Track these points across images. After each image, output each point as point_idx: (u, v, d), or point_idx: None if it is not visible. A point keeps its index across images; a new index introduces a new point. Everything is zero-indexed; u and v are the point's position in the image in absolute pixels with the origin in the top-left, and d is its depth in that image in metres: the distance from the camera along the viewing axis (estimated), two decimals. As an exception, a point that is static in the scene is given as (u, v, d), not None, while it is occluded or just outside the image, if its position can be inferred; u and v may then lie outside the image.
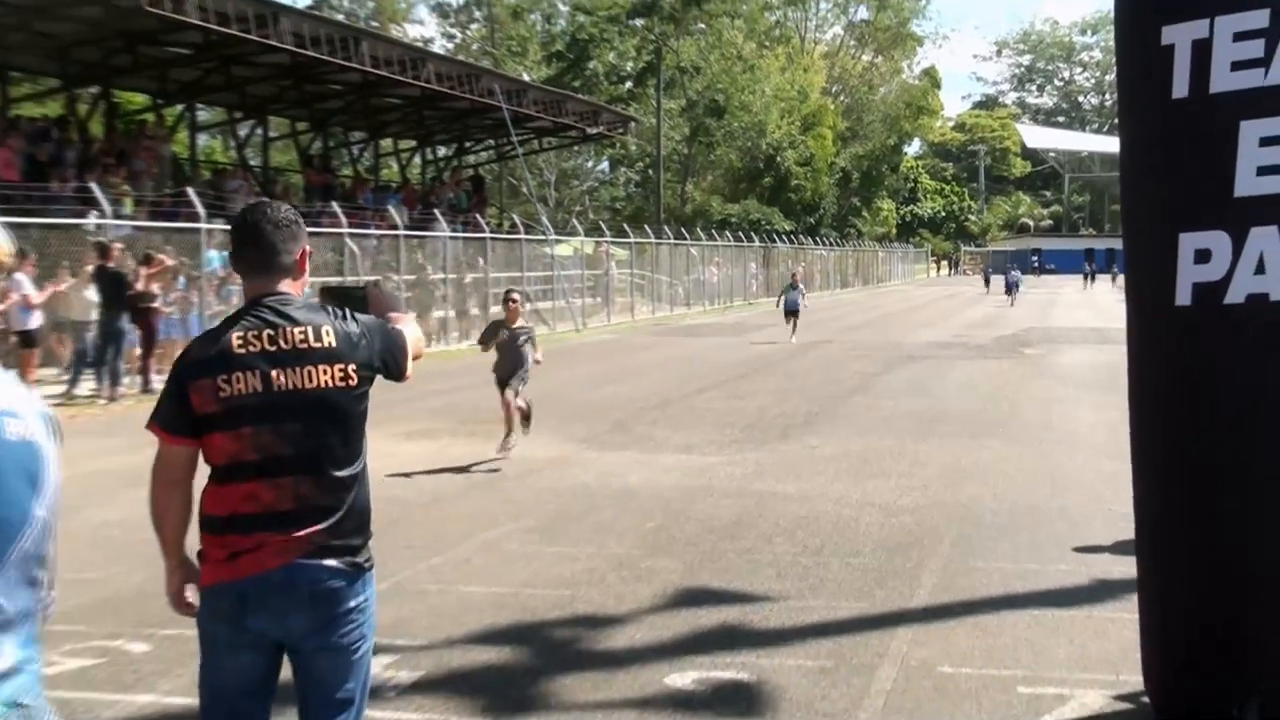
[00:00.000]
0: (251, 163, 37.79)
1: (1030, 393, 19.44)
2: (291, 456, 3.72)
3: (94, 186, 21.57)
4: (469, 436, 14.66)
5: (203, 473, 3.79)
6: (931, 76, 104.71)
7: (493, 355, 13.23)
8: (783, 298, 32.42)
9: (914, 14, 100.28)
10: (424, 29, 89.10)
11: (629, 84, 78.20)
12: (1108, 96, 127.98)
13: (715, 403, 18.10)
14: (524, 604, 7.70)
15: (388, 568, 8.43)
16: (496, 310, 32.87)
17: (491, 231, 35.92)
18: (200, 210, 21.63)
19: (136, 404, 18.10)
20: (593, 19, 77.22)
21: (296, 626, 3.76)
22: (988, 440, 14.19)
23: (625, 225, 49.66)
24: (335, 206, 28.05)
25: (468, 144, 46.60)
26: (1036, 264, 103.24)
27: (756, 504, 10.73)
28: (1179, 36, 5.16)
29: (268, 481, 3.70)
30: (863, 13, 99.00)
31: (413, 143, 45.00)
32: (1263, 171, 5.00)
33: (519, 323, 13.27)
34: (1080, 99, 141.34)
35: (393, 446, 13.26)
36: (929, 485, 11.53)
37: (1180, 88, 5.17)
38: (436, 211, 33.96)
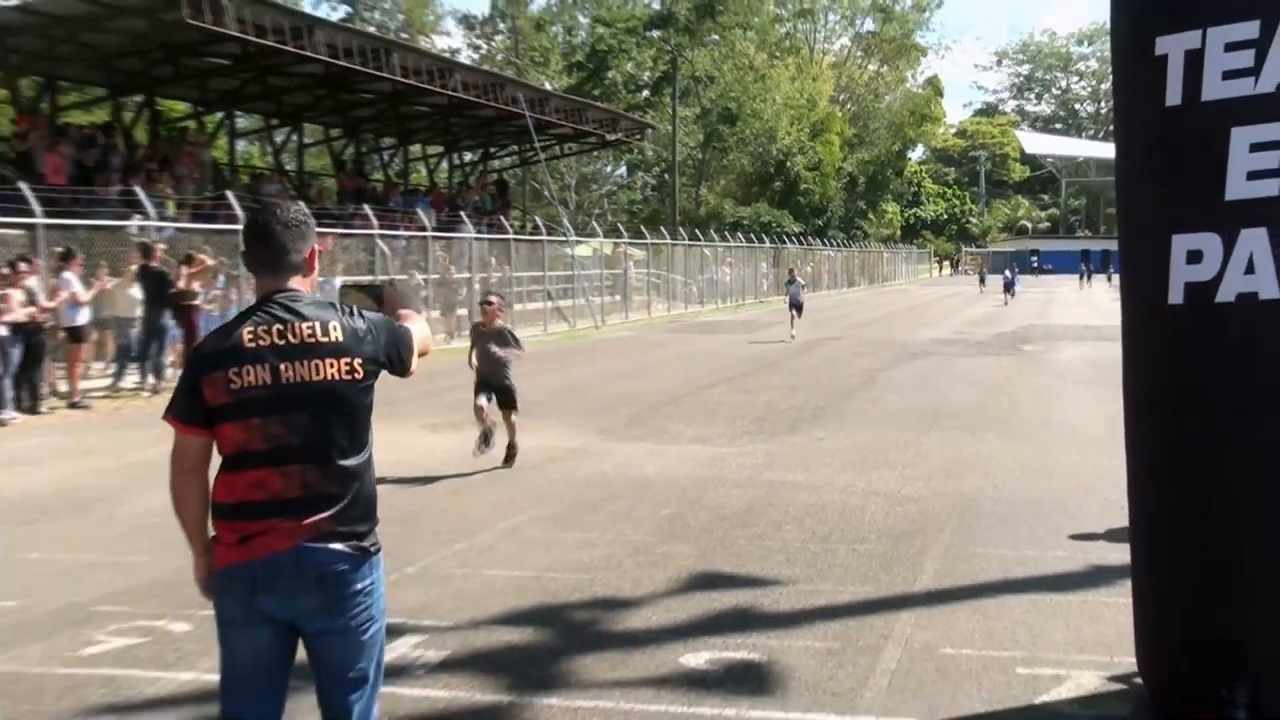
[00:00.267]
0: (287, 167, 37.85)
1: (1029, 388, 19.39)
2: (299, 446, 3.72)
3: (138, 190, 21.65)
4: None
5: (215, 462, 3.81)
6: (934, 85, 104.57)
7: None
8: (788, 290, 32.79)
9: (918, 26, 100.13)
10: (451, 40, 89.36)
11: (646, 92, 78.15)
12: (1103, 104, 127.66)
13: (727, 397, 18.08)
14: (545, 587, 7.71)
15: (415, 553, 8.47)
16: (519, 310, 33.12)
17: (515, 233, 35.96)
18: (239, 213, 21.63)
19: (178, 396, 18.15)
20: (611, 31, 77.21)
21: (304, 608, 3.76)
22: (988, 434, 14.15)
23: (642, 227, 49.65)
24: (367, 209, 28.09)
25: (493, 150, 46.60)
26: (1035, 264, 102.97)
27: (766, 493, 10.72)
28: (1172, 47, 5.15)
29: (276, 470, 3.71)
30: (869, 24, 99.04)
31: (440, 148, 45.04)
32: (1252, 176, 4.98)
33: (497, 324, 12.49)
34: (1077, 107, 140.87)
35: (418, 438, 13.28)
36: (931, 476, 11.51)
37: (1174, 96, 5.15)
38: (463, 214, 33.96)
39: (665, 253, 47.26)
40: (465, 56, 78.24)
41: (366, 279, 24.55)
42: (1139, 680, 5.76)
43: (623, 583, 7.82)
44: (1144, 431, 5.58)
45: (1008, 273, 55.70)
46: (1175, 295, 5.19)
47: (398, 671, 5.94)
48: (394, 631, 6.36)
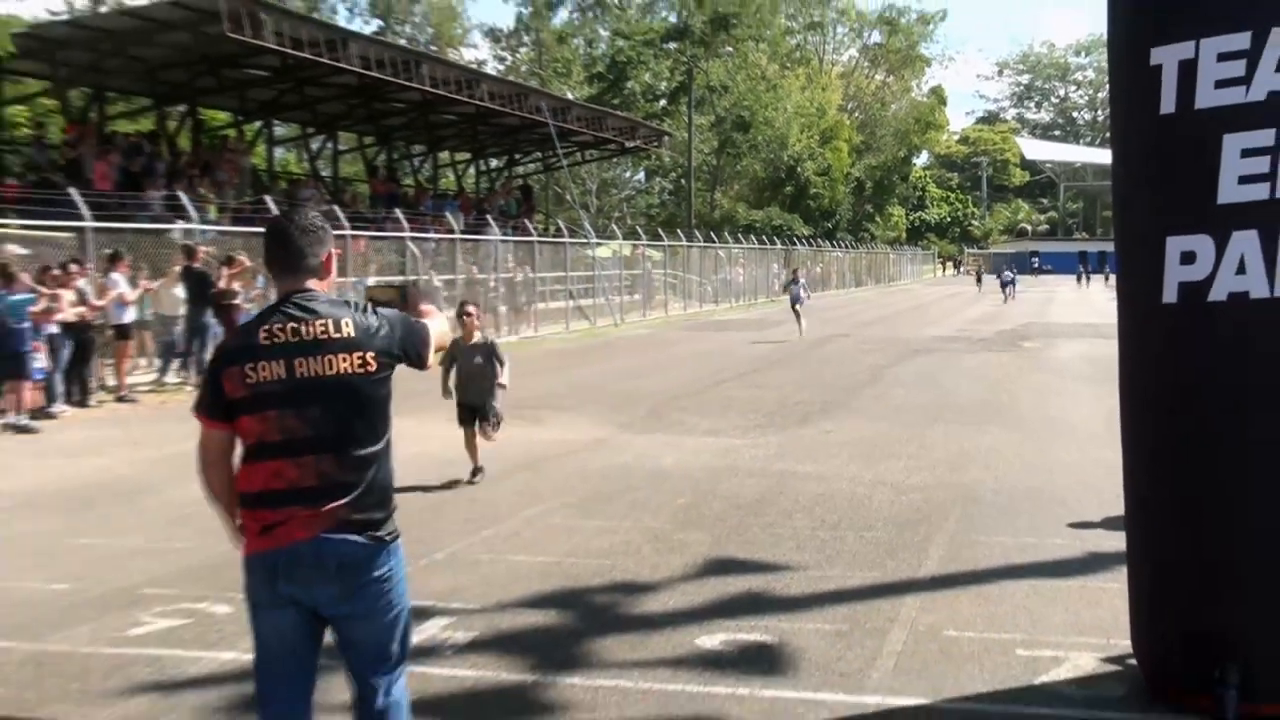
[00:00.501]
0: (322, 173, 37.89)
1: (1029, 384, 19.32)
2: (313, 437, 3.75)
3: (181, 195, 21.70)
4: (517, 421, 14.66)
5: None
6: (938, 94, 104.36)
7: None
8: (787, 292, 32.03)
9: (922, 38, 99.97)
10: (478, 52, 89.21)
11: (663, 102, 78.15)
12: (1100, 112, 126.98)
13: (739, 392, 18.07)
14: (567, 572, 7.72)
15: (444, 540, 8.49)
16: (543, 308, 33.15)
17: (539, 235, 36.00)
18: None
19: (219, 391, 18.21)
20: (630, 43, 77.25)
21: (324, 595, 3.80)
22: (989, 427, 14.12)
23: (660, 229, 49.61)
24: (398, 213, 28.16)
25: (517, 156, 46.61)
26: (1035, 265, 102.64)
27: (778, 483, 10.71)
28: (1167, 57, 5.13)
29: (292, 460, 3.74)
30: (876, 37, 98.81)
31: (468, 155, 45.09)
32: (1243, 180, 4.98)
33: (476, 338, 10.67)
34: (1075, 115, 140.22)
35: (445, 430, 13.27)
36: (935, 467, 11.49)
37: (1168, 104, 5.14)
38: (489, 217, 34.00)
39: (681, 254, 47.21)
40: (491, 68, 78.29)
41: (396, 279, 24.64)
42: (1134, 662, 5.74)
43: (641, 568, 7.83)
44: (1140, 425, 5.57)
45: (1006, 273, 55.35)
46: (1169, 295, 5.19)
47: (427, 652, 5.96)
48: (423, 614, 6.39)
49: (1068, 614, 6.78)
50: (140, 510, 9.85)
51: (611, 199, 77.96)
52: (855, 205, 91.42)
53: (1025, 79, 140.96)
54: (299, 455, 3.74)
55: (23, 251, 16.40)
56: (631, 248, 43.70)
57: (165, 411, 16.43)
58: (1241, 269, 5.00)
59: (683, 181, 72.47)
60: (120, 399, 17.01)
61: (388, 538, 3.86)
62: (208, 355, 18.86)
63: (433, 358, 4.11)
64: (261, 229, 18.18)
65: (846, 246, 78.46)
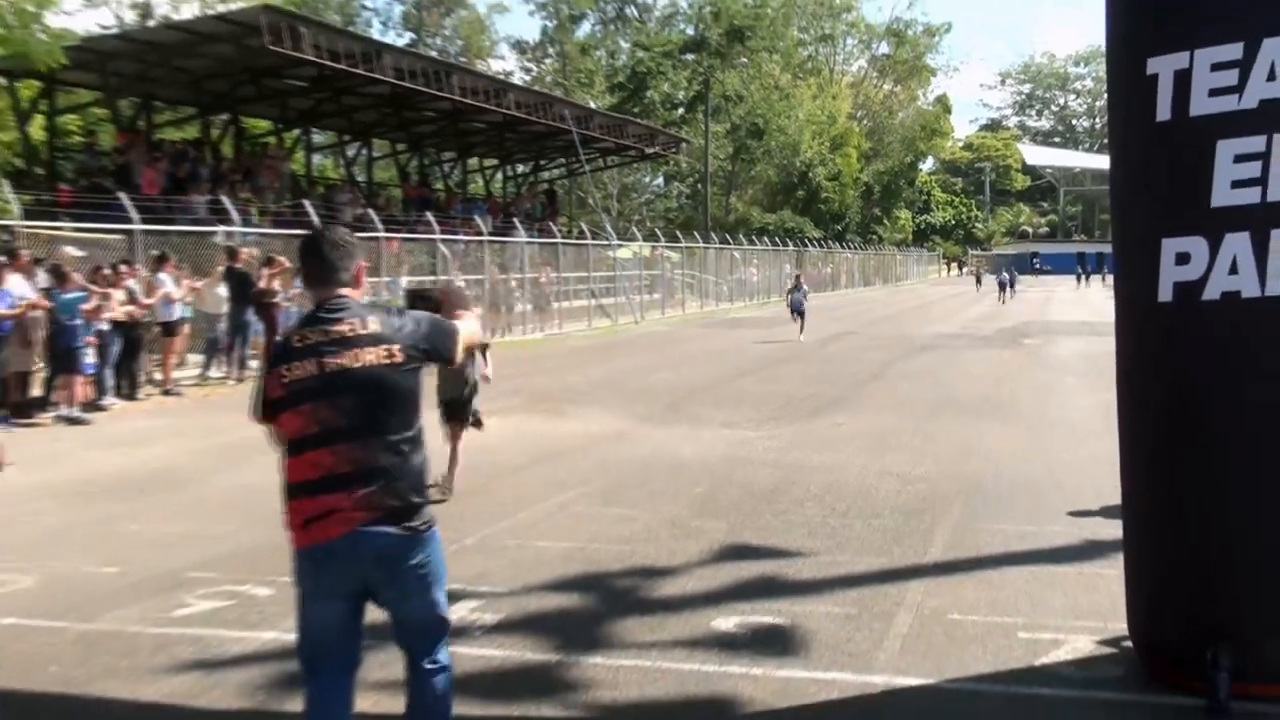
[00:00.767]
0: (358, 179, 37.96)
1: (1029, 379, 19.27)
2: (346, 426, 3.87)
3: (224, 199, 21.80)
4: (542, 414, 14.70)
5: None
6: (943, 103, 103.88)
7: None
8: (789, 298, 30.14)
9: (928, 49, 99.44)
10: (505, 63, 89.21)
11: (681, 110, 77.92)
12: (1098, 120, 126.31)
13: (753, 386, 18.04)
14: (590, 557, 7.72)
15: (473, 527, 8.51)
16: (566, 307, 33.17)
17: (563, 237, 36.01)
18: (315, 219, 21.78)
19: (260, 385, 18.27)
20: (650, 54, 77.10)
21: (365, 582, 3.95)
22: (991, 420, 14.07)
23: (678, 232, 49.45)
24: (430, 216, 28.19)
25: (543, 162, 46.63)
26: (1036, 266, 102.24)
27: (790, 473, 10.70)
28: (1162, 67, 5.12)
29: (328, 449, 3.86)
30: (884, 48, 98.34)
31: (495, 161, 45.07)
32: (1236, 185, 4.96)
33: None
34: (1074, 122, 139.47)
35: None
36: (940, 458, 11.46)
37: (1164, 111, 5.13)
38: (516, 220, 34.01)
39: (698, 255, 47.17)
40: (518, 78, 78.15)
41: (428, 279, 24.71)
42: (1130, 644, 5.73)
43: (660, 553, 7.83)
44: (1136, 419, 5.55)
45: (1004, 274, 55.02)
46: (1165, 294, 5.18)
47: (457, 633, 5.94)
48: (453, 597, 6.36)
49: (1066, 599, 6.76)
50: (186, 498, 9.89)
51: (632, 203, 77.89)
52: (864, 209, 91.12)
53: (1027, 88, 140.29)
54: (334, 444, 3.85)
55: (76, 252, 16.49)
56: (651, 249, 43.65)
57: (209, 404, 16.50)
58: (1234, 269, 4.99)
59: (700, 186, 72.37)
60: (166, 392, 17.08)
61: (422, 527, 3.96)
62: (249, 351, 19.04)
63: (460, 354, 4.24)
64: (300, 231, 18.34)
65: (855, 248, 78.32)
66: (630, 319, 35.94)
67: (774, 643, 6.03)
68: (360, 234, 22.37)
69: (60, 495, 9.96)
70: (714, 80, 72.55)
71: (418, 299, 4.49)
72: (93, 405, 15.15)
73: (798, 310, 28.62)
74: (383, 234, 24.02)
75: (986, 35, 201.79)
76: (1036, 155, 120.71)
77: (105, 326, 15.44)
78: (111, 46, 25.71)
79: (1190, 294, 5.09)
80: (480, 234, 29.89)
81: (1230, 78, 4.94)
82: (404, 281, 23.38)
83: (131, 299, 16.28)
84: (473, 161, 44.22)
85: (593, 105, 56.38)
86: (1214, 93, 4.98)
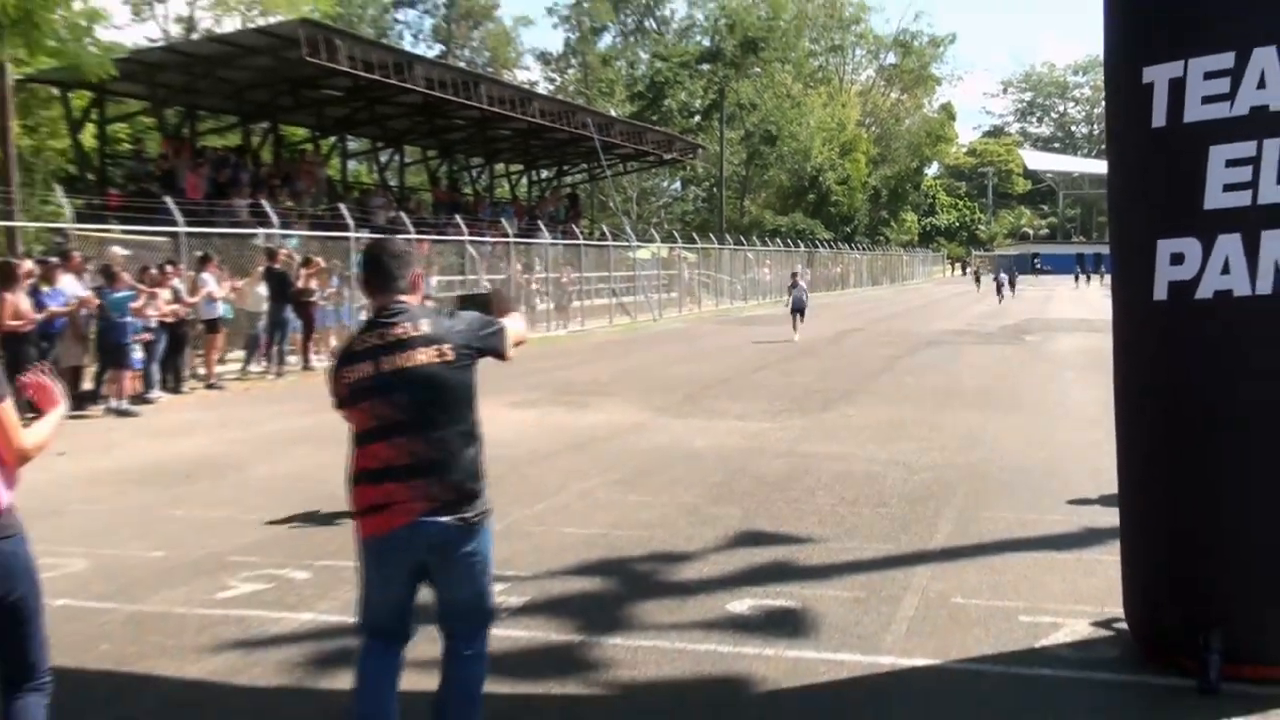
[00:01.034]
0: (390, 183, 38.04)
1: (1030, 373, 19.19)
2: (404, 421, 4.00)
3: (264, 203, 21.86)
4: (565, 406, 14.72)
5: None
6: (948, 111, 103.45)
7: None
8: (789, 297, 27.93)
9: (933, 59, 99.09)
10: (530, 74, 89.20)
11: (697, 118, 77.88)
12: (1096, 126, 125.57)
13: (767, 380, 18.02)
14: (611, 543, 7.73)
15: (499, 513, 8.43)
16: (588, 305, 33.18)
17: (585, 239, 36.00)
18: (349, 222, 21.82)
19: (298, 379, 18.35)
20: (668, 65, 77.15)
21: (421, 567, 4.09)
22: (994, 412, 14.02)
23: (694, 233, 49.38)
24: (458, 218, 28.21)
25: (565, 167, 46.61)
26: (1036, 266, 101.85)
27: (802, 463, 10.68)
28: (1158, 75, 5.10)
29: (386, 442, 4.00)
30: (891, 58, 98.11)
31: (521, 166, 45.12)
32: (1228, 188, 4.94)
33: None
34: (1073, 128, 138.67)
35: (503, 414, 13.33)
36: (945, 448, 11.43)
37: (1159, 118, 5.11)
38: (540, 222, 34.04)
39: (714, 256, 47.12)
40: (542, 88, 78.36)
41: (457, 279, 24.76)
42: (1126, 627, 5.71)
43: (677, 539, 7.83)
44: (1132, 413, 5.53)
45: (1002, 275, 54.61)
46: (1160, 293, 5.16)
47: (485, 614, 5.99)
48: (482, 580, 6.41)
49: (1066, 583, 6.73)
50: (228, 485, 9.94)
51: (650, 206, 77.96)
52: (872, 211, 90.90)
53: (1028, 96, 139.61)
54: (392, 438, 3.99)
55: (122, 252, 16.58)
56: (669, 250, 43.61)
57: (249, 397, 16.57)
58: (1226, 269, 4.97)
59: (715, 190, 72.30)
60: (209, 386, 17.15)
61: (475, 519, 4.09)
62: (287, 347, 19.12)
63: (512, 350, 4.35)
64: (335, 234, 18.41)
65: (864, 249, 78.10)
66: (649, 316, 35.92)
67: (786, 625, 6.03)
68: (392, 236, 22.44)
69: (110, 483, 10.02)
70: (729, 89, 72.44)
71: (468, 301, 4.60)
72: (140, 398, 15.23)
73: (798, 309, 27.00)
74: (414, 236, 24.05)
75: (989, 46, 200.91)
76: (1037, 160, 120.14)
77: (152, 323, 15.51)
78: (158, 59, 25.83)
79: (1184, 293, 5.07)
80: (506, 236, 29.93)
81: (1222, 85, 4.93)
82: (434, 281, 23.42)
83: (176, 298, 16.37)
84: (499, 167, 44.26)
85: (613, 113, 56.39)
86: (1207, 100, 4.96)
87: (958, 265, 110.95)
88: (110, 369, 14.88)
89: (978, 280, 67.21)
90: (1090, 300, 47.79)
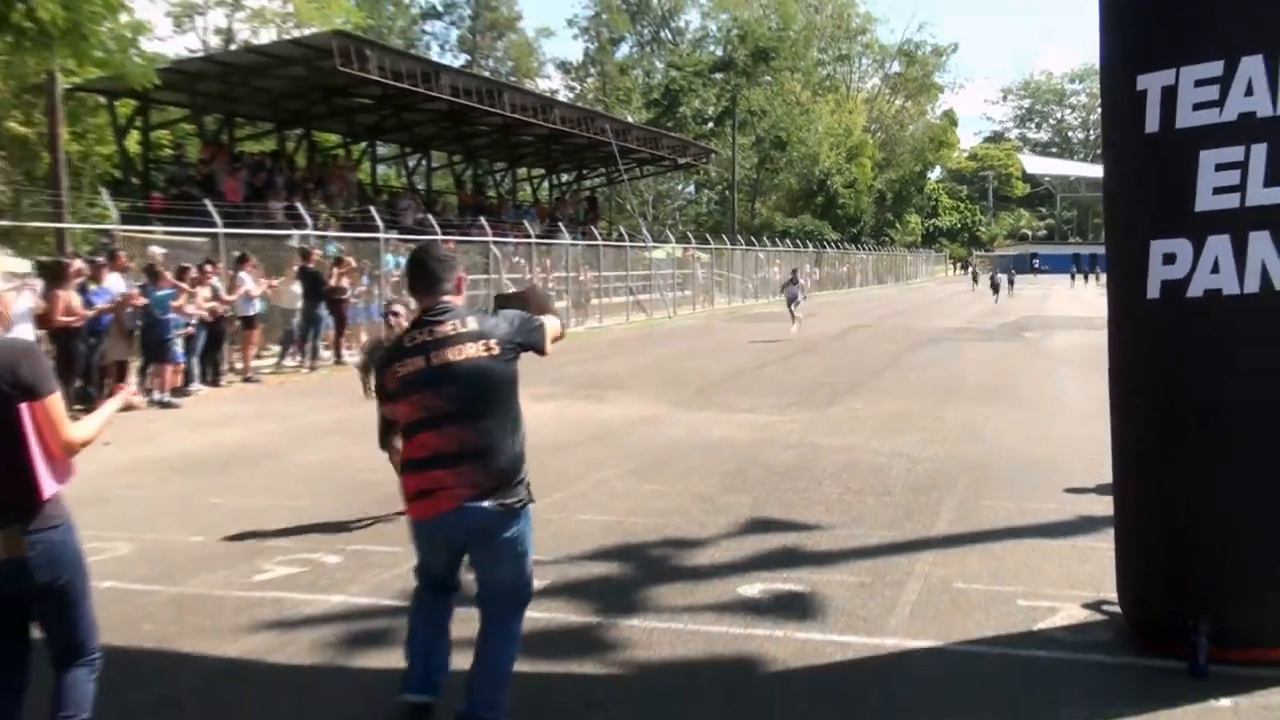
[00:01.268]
0: (418, 187, 38.06)
1: (1029, 368, 19.11)
2: (451, 411, 4.08)
3: (298, 206, 21.93)
4: (584, 399, 14.74)
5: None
6: (950, 117, 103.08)
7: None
8: (784, 291, 28.62)
9: (936, 68, 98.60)
10: (551, 82, 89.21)
11: (710, 124, 77.61)
12: (1092, 132, 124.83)
13: (776, 375, 18.00)
14: (627, 530, 7.74)
15: (522, 500, 8.52)
16: (606, 303, 33.19)
17: (603, 240, 36.00)
18: (379, 224, 21.89)
19: (330, 374, 18.41)
20: (682, 73, 77.00)
21: (465, 546, 4.20)
22: (994, 406, 13.98)
23: (707, 235, 49.29)
24: (483, 221, 28.24)
25: (585, 171, 46.57)
26: (1035, 266, 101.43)
27: (810, 454, 10.68)
28: (1150, 83, 5.09)
29: (435, 431, 4.10)
30: (896, 67, 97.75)
31: (542, 170, 45.12)
32: (1218, 191, 4.94)
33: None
34: (1070, 134, 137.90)
35: (525, 406, 13.29)
36: (947, 440, 11.40)
37: (1152, 124, 5.10)
38: (560, 224, 34.04)
39: (726, 256, 47.04)
40: (563, 95, 78.17)
41: (481, 278, 24.79)
42: (1119, 611, 5.69)
43: (690, 526, 7.83)
44: (1127, 407, 5.52)
45: (999, 275, 54.28)
46: (1153, 292, 5.15)
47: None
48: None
49: (1062, 569, 6.72)
50: (264, 474, 9.98)
51: (666, 208, 77.87)
52: (877, 213, 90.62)
53: (1026, 103, 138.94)
54: (441, 427, 4.09)
55: (159, 250, 16.64)
56: (683, 250, 43.58)
57: (284, 390, 16.63)
58: (1215, 269, 4.96)
59: (727, 193, 72.18)
60: (246, 380, 17.23)
61: (517, 505, 4.16)
62: (320, 343, 19.18)
63: (550, 346, 4.44)
64: (366, 235, 18.44)
65: (869, 249, 77.89)
66: (664, 314, 35.90)
67: (794, 608, 6.03)
68: (419, 236, 22.52)
69: (153, 471, 10.07)
70: (740, 97, 72.34)
71: (505, 301, 4.65)
72: (181, 391, 15.30)
73: (794, 301, 27.35)
74: (440, 237, 24.08)
75: (990, 55, 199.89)
76: (1035, 164, 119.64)
77: (193, 320, 15.58)
78: (198, 68, 25.90)
79: (1176, 291, 5.06)
80: (528, 237, 29.95)
81: (1212, 93, 4.92)
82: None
83: (215, 295, 16.43)
84: (522, 171, 44.26)
85: (630, 120, 56.31)
86: (1197, 106, 4.96)
87: (959, 265, 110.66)
88: (153, 363, 14.95)
89: (975, 280, 66.84)
90: (1086, 299, 47.53)
